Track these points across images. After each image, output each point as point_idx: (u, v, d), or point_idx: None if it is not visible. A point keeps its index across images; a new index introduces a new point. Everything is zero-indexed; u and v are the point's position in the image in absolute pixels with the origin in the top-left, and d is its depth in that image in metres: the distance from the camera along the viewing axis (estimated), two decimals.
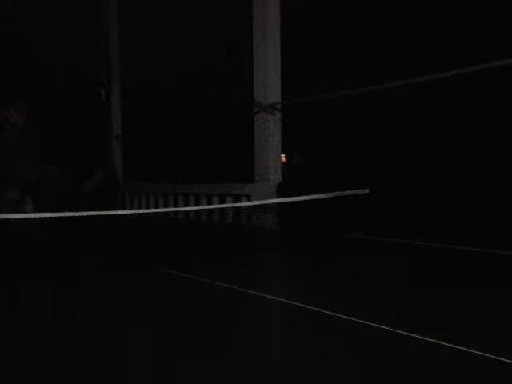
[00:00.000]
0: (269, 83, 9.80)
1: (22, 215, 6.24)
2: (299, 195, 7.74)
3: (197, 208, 9.52)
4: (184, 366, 3.03)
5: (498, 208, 7.12)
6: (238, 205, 9.23)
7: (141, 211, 7.88)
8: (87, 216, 6.36)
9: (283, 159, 10.24)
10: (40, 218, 6.20)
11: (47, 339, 3.54)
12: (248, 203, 9.13)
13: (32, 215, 6.16)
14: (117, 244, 8.20)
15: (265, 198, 8.63)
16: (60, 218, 6.25)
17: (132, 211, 6.74)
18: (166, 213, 11.59)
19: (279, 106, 9.82)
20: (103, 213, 6.60)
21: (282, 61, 9.93)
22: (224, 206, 9.24)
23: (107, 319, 4.01)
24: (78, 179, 12.90)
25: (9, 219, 5.97)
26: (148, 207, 12.73)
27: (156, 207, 12.42)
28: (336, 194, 7.77)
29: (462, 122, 7.62)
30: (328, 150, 9.34)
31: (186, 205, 11.56)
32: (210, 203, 10.89)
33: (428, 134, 8.00)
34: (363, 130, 8.80)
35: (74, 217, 6.25)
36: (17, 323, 3.96)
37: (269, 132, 9.75)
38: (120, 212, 7.22)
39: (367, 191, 7.91)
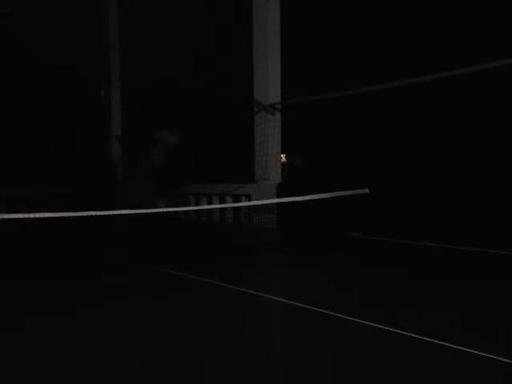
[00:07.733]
0: (269, 83, 9.80)
1: (19, 215, 6.23)
2: (299, 195, 7.73)
3: (197, 208, 9.50)
4: (184, 365, 3.04)
5: (498, 208, 7.12)
6: (238, 205, 9.22)
7: (141, 211, 7.84)
8: (87, 216, 6.36)
9: (283, 159, 10.23)
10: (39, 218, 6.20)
11: (47, 338, 3.54)
12: (248, 203, 9.13)
13: (34, 215, 6.15)
14: (117, 244, 8.20)
15: (265, 198, 8.63)
16: (60, 218, 6.25)
17: (132, 211, 6.72)
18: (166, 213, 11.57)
19: (279, 106, 9.81)
20: (103, 213, 6.59)
21: (282, 61, 9.94)
22: (224, 205, 9.23)
23: (107, 319, 4.01)
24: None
25: None
26: None
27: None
28: (336, 194, 7.76)
29: (461, 123, 7.62)
30: (328, 150, 9.33)
31: (186, 205, 11.55)
32: (210, 203, 10.88)
33: (427, 135, 8.00)
34: (363, 130, 8.80)
35: (74, 217, 6.25)
36: (17, 323, 3.96)
37: (269, 132, 9.74)
38: (120, 212, 7.21)
39: (367, 191, 7.90)
